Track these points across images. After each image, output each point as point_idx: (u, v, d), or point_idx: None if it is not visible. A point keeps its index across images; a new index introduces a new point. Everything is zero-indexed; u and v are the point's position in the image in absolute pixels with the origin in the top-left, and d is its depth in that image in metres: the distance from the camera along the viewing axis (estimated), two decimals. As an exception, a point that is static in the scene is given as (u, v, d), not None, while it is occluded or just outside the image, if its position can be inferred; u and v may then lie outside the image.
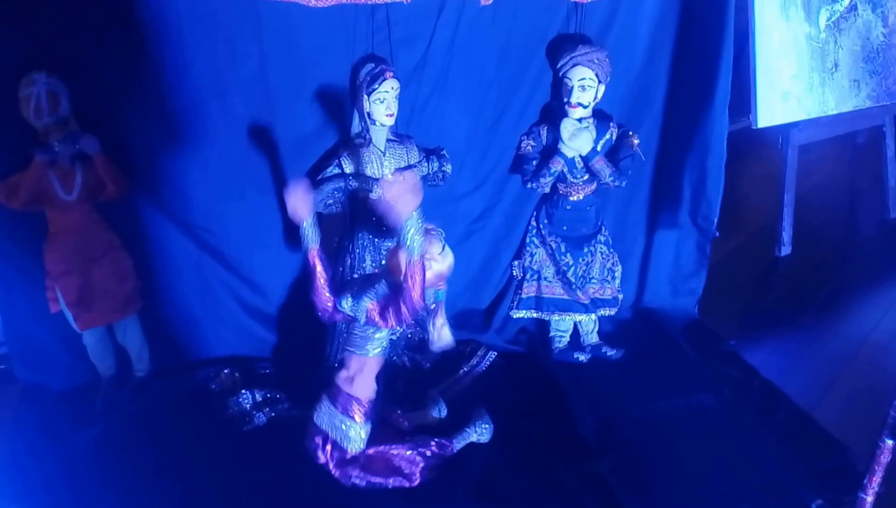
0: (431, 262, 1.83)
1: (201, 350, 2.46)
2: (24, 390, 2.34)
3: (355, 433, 1.91)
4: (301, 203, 1.83)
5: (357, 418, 1.91)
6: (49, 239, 2.19)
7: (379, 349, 1.91)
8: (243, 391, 2.27)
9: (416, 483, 1.94)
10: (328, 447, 1.93)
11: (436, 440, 2.01)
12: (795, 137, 3.31)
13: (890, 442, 1.64)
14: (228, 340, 2.47)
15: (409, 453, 1.96)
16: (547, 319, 2.59)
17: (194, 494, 1.94)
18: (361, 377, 1.91)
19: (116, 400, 2.29)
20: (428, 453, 1.97)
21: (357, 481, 1.93)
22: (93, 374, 2.36)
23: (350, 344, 1.94)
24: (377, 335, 1.89)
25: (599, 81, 2.30)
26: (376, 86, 2.13)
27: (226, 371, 2.37)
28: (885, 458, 1.66)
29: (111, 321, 2.30)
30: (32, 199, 2.10)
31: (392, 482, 1.94)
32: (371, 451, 1.95)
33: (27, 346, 2.33)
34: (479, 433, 2.08)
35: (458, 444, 2.05)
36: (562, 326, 2.59)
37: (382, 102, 2.14)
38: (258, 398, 2.26)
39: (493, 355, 2.51)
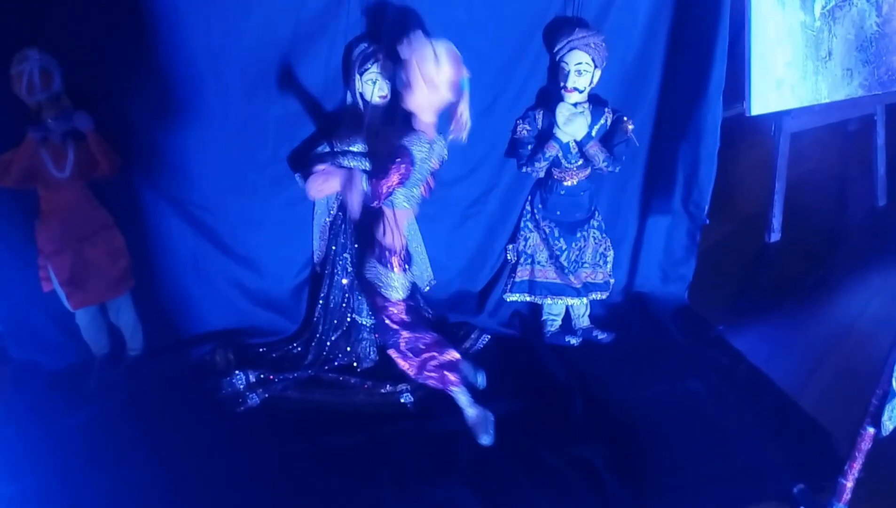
0: (433, 75, 1.84)
1: (195, 330, 2.45)
2: (16, 369, 2.34)
3: (396, 282, 2.09)
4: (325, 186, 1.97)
5: (395, 267, 2.08)
6: (41, 217, 2.17)
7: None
8: (237, 371, 2.28)
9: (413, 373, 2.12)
10: (376, 298, 2.12)
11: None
12: (788, 125, 3.32)
13: (871, 430, 1.68)
14: (223, 319, 2.46)
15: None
16: (540, 302, 2.61)
17: (187, 474, 1.96)
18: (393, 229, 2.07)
19: (110, 380, 2.30)
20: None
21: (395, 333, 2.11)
22: (86, 353, 2.36)
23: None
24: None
25: (595, 66, 2.29)
26: (368, 66, 2.12)
27: (220, 352, 2.37)
28: (865, 445, 1.70)
29: (104, 299, 2.30)
30: (25, 177, 2.08)
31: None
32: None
33: (20, 325, 2.33)
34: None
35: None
36: (554, 309, 2.62)
37: (374, 82, 2.13)
38: (252, 378, 2.27)
39: (486, 338, 2.53)
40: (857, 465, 1.73)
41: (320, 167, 2.02)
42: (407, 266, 2.13)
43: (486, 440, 2.09)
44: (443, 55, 1.84)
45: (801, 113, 3.29)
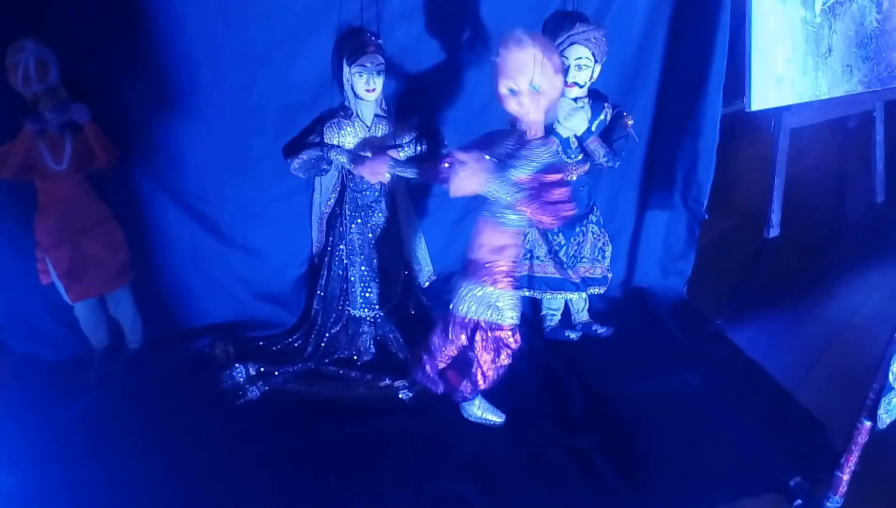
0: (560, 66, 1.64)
1: (195, 322, 2.46)
2: (16, 362, 2.34)
3: (507, 302, 1.77)
4: None
5: (504, 283, 1.76)
6: (39, 210, 2.17)
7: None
8: (237, 364, 2.29)
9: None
10: (479, 336, 1.78)
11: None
12: (787, 121, 3.32)
13: (867, 423, 1.69)
14: (222, 312, 2.47)
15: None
16: (539, 297, 2.61)
17: (186, 467, 1.96)
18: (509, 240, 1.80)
19: (109, 372, 2.30)
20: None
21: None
22: (85, 346, 2.35)
23: (491, 209, 1.80)
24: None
25: (596, 61, 2.29)
26: (357, 57, 2.10)
27: (219, 344, 2.38)
28: (861, 438, 1.71)
29: (103, 292, 2.29)
30: (22, 169, 2.07)
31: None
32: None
33: (19, 318, 2.33)
34: None
35: None
36: (553, 304, 2.62)
37: (362, 75, 2.12)
38: (252, 371, 2.28)
39: (483, 332, 2.54)
40: (853, 458, 1.74)
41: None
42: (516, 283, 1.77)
43: (501, 416, 2.09)
44: (551, 43, 1.66)
45: (800, 109, 3.30)
